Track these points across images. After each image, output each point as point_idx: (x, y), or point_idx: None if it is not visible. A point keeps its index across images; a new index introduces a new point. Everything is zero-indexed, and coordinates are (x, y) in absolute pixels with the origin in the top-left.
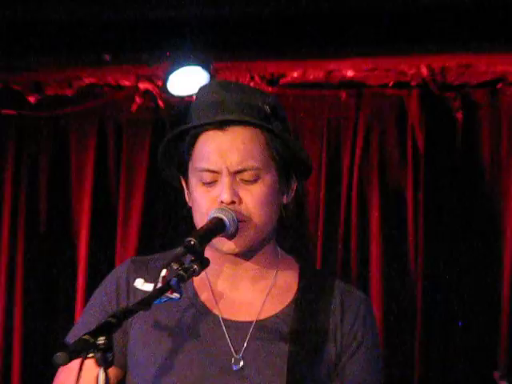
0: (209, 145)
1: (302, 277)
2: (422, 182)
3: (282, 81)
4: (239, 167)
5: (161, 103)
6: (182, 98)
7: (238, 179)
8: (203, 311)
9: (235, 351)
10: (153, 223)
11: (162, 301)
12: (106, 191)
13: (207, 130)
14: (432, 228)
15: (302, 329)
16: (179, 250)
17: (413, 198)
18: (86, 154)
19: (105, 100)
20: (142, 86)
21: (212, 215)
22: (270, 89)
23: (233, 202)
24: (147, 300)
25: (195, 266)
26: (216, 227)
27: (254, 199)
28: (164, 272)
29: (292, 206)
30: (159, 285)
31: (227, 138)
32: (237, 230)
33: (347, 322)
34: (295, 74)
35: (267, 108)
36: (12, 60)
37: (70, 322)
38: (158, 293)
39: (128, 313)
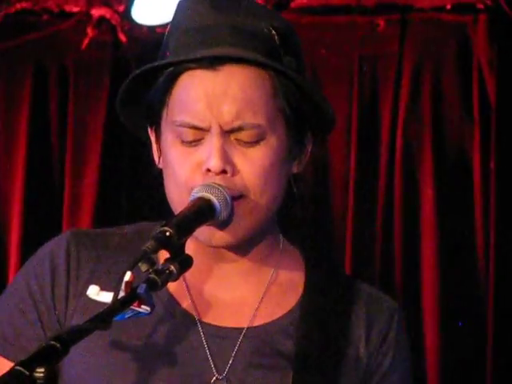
0: (193, 90)
1: (309, 274)
2: (493, 147)
3: (295, 3)
4: (235, 124)
5: (122, 36)
6: (151, 29)
7: (232, 139)
8: (176, 314)
9: (217, 369)
10: (112, 206)
11: (126, 316)
12: (45, 162)
13: (191, 68)
14: (508, 211)
15: (311, 343)
16: (149, 244)
17: (481, 170)
18: (17, 110)
19: (43, 33)
20: (96, 12)
21: (195, 194)
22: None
23: (224, 172)
24: (106, 316)
25: (172, 268)
26: (201, 212)
27: (253, 168)
28: (128, 276)
29: (305, 176)
30: (121, 293)
31: (220, 82)
32: (231, 215)
33: (375, 338)
34: None
35: (275, 36)
36: None
37: None
38: (120, 306)
39: (78, 333)
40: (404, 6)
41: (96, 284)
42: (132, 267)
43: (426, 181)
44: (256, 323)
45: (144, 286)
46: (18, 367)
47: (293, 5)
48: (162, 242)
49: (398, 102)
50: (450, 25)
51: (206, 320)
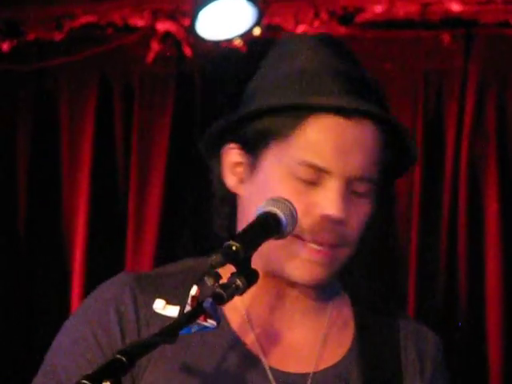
0: (324, 133)
1: (356, 309)
2: None
3: (360, 18)
4: (359, 174)
5: (187, 51)
6: (216, 44)
7: (350, 190)
8: (244, 355)
9: None
10: (177, 223)
11: (192, 330)
12: (110, 177)
13: (320, 110)
14: None
15: (374, 381)
16: (215, 257)
17: None
18: (82, 124)
19: (108, 47)
20: (161, 26)
21: (261, 210)
22: (342, 29)
23: (341, 222)
24: (172, 329)
25: (238, 282)
26: (267, 226)
27: (359, 221)
28: (194, 290)
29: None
30: (187, 307)
31: (351, 131)
32: (293, 229)
33: (428, 371)
34: (378, 9)
35: (379, 89)
36: None
37: None
38: (186, 319)
39: (144, 347)
40: (469, 21)
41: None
42: (198, 281)
43: (491, 196)
44: (321, 367)
45: (210, 300)
46: (83, 381)
47: (357, 19)
48: (229, 257)
49: (463, 117)
50: None
51: (272, 364)
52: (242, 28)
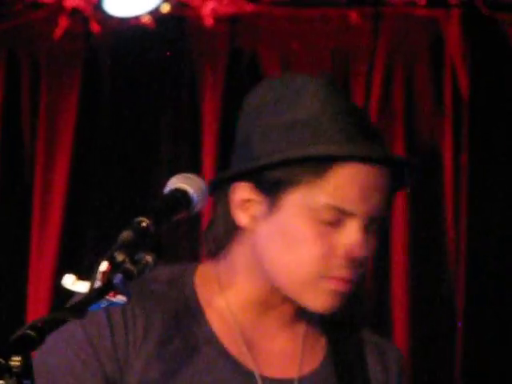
0: (347, 178)
1: (325, 323)
2: (465, 141)
3: None
4: (379, 215)
5: (95, 27)
6: (125, 21)
7: (368, 228)
8: (231, 363)
9: None
10: (85, 198)
11: (102, 306)
12: (16, 155)
13: (344, 158)
14: (483, 210)
15: None
16: (125, 234)
17: (452, 165)
18: None
19: (16, 23)
20: (69, 3)
21: (171, 186)
22: (249, 7)
23: (366, 259)
24: (81, 305)
25: (148, 258)
26: (178, 202)
27: (370, 255)
28: (104, 266)
29: None
30: (97, 283)
31: (372, 177)
32: (202, 207)
33: (393, 381)
34: None
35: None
36: None
37: None
38: (95, 295)
39: (53, 323)
40: (377, 0)
41: (153, 334)
42: (109, 257)
43: None
44: (304, 371)
45: (120, 275)
46: None
47: None
48: (139, 233)
49: (370, 95)
50: (423, 19)
51: (260, 371)
52: (151, 5)
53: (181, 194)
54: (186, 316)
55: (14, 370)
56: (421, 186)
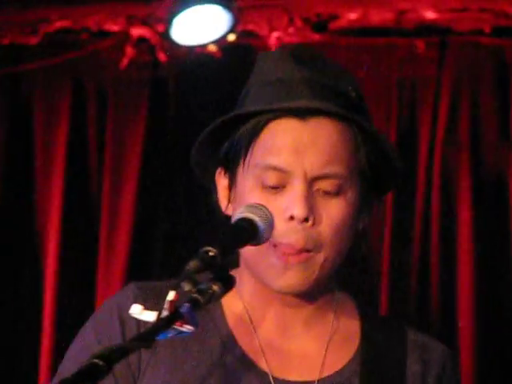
0: (281, 136)
1: (363, 320)
2: None
3: (334, 25)
4: (321, 172)
5: (162, 56)
6: (191, 49)
7: (314, 189)
8: (245, 364)
9: None
10: (151, 224)
11: (169, 335)
12: (83, 183)
13: (279, 116)
14: None
15: None
16: (192, 263)
17: None
18: (56, 129)
19: (83, 52)
20: (136, 31)
21: (238, 216)
22: (316, 36)
23: (306, 220)
24: (148, 334)
25: (215, 287)
26: (244, 232)
27: (331, 220)
28: (172, 295)
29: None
30: (165, 313)
31: (308, 132)
32: (270, 235)
33: (433, 379)
34: (352, 16)
35: (354, 94)
36: None
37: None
38: (163, 324)
39: (121, 352)
40: (443, 29)
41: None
42: (176, 287)
43: (464, 204)
44: (324, 374)
45: (187, 305)
46: None
47: (331, 26)
48: (206, 262)
49: (436, 124)
50: (489, 48)
51: (276, 374)
52: (217, 34)
53: (247, 224)
54: (205, 316)
55: None
56: (487, 216)
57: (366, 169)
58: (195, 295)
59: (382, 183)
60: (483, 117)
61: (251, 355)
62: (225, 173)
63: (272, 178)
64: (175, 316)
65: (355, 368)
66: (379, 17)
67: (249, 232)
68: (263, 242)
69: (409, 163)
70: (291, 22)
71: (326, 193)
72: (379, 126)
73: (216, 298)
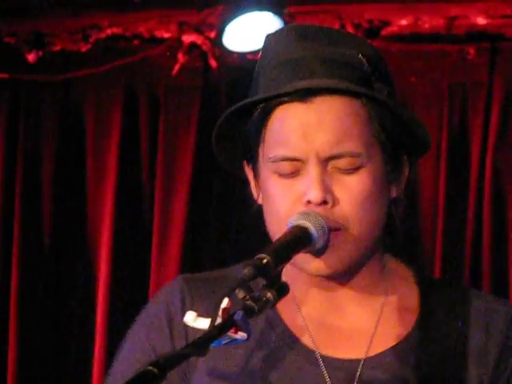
0: (287, 122)
1: (422, 289)
2: None
3: (385, 31)
4: (333, 152)
5: (213, 63)
6: (243, 56)
7: (330, 168)
8: (290, 341)
9: None
10: (203, 231)
11: (223, 343)
12: (135, 189)
13: (284, 101)
14: None
15: (431, 370)
16: (246, 271)
17: None
18: (107, 136)
19: (134, 59)
20: (187, 38)
21: (292, 223)
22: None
23: (324, 203)
24: (202, 341)
25: (269, 295)
26: (298, 240)
27: (352, 196)
28: (225, 302)
29: (404, 199)
30: (218, 320)
31: (314, 112)
32: (327, 243)
33: (495, 345)
34: (404, 22)
35: (365, 63)
36: (2, 3)
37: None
38: (216, 332)
39: (175, 359)
40: (494, 35)
41: None
42: (229, 294)
43: None
44: (373, 351)
45: (241, 312)
46: None
47: (383, 32)
48: (259, 270)
49: (488, 130)
50: None
51: (323, 351)
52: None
53: (301, 231)
54: None
55: None
56: None
57: (384, 139)
58: (249, 302)
59: (409, 149)
60: None
61: (296, 332)
62: (248, 164)
63: (286, 167)
64: (229, 323)
65: (412, 344)
66: (430, 23)
67: (302, 240)
68: (317, 250)
69: (461, 168)
70: (343, 28)
71: (344, 170)
72: (431, 131)
73: (270, 305)
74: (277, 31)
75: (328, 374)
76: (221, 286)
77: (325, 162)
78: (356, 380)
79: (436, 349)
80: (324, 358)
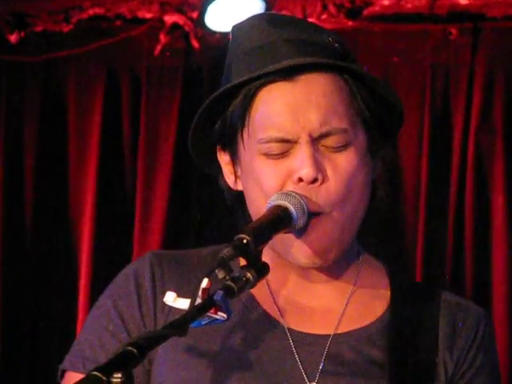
0: (274, 104)
1: (393, 282)
2: None
3: (368, 11)
4: (324, 129)
5: (195, 43)
6: (225, 36)
7: (320, 147)
8: (265, 321)
9: (307, 376)
10: (184, 213)
11: (203, 323)
12: (117, 168)
13: (268, 83)
14: None
15: (403, 353)
16: (226, 251)
17: None
18: (90, 117)
19: (116, 39)
20: (169, 18)
21: (271, 203)
22: (350, 23)
23: (315, 181)
24: (182, 322)
25: (249, 275)
26: (278, 219)
27: (342, 176)
28: (205, 283)
29: (386, 179)
30: (198, 300)
31: (300, 91)
32: (307, 223)
33: (461, 344)
34: (386, 2)
35: (337, 45)
36: None
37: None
38: (196, 312)
39: (154, 340)
40: (476, 15)
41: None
42: (209, 274)
43: (498, 189)
44: (343, 329)
45: (221, 292)
46: (94, 372)
47: (365, 12)
48: (240, 250)
49: (470, 110)
50: None
51: (292, 326)
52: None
53: (281, 211)
54: None
55: None
56: None
57: (368, 116)
58: (229, 282)
59: (389, 127)
60: None
61: (272, 313)
62: (224, 150)
63: (276, 148)
64: (209, 303)
65: (382, 327)
66: (413, 3)
67: (282, 220)
68: (297, 230)
69: (443, 149)
70: (325, 8)
71: (333, 149)
72: (413, 112)
73: (250, 285)
74: (245, 20)
75: (296, 349)
76: (189, 265)
77: (315, 140)
78: (324, 355)
79: (407, 334)
80: (293, 332)
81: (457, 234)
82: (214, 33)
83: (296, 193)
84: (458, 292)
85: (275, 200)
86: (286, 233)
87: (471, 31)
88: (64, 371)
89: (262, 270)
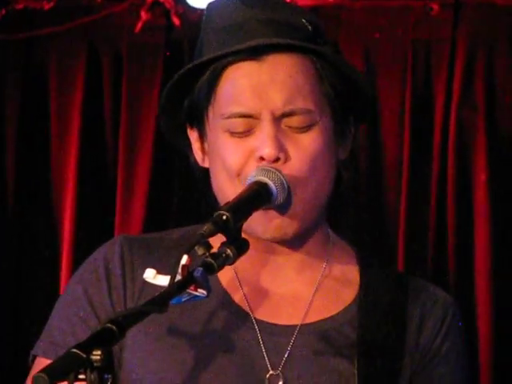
0: (239, 81)
1: (363, 269)
2: None
3: None
4: (287, 108)
5: (176, 20)
6: None
7: (283, 126)
8: (229, 307)
9: (272, 365)
10: (166, 191)
11: (183, 300)
12: (99, 146)
13: (235, 61)
14: None
15: (370, 343)
16: (206, 227)
17: None
18: (71, 94)
19: (97, 16)
20: None
21: (251, 179)
22: None
23: (277, 160)
24: (162, 299)
25: (229, 251)
26: (258, 196)
27: (305, 155)
28: (185, 259)
29: (357, 163)
30: (178, 277)
31: (266, 70)
32: (288, 199)
33: (428, 332)
34: None
35: (309, 26)
36: None
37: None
38: (176, 288)
39: (134, 317)
40: None
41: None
42: (189, 250)
43: (480, 166)
44: (310, 319)
45: (201, 269)
46: (74, 350)
47: None
48: (219, 226)
49: (452, 86)
50: (504, 9)
51: (259, 317)
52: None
53: (260, 187)
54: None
55: (95, 364)
56: (503, 178)
57: (334, 97)
58: (209, 259)
59: (357, 111)
60: (499, 78)
61: (240, 303)
62: (192, 127)
63: (239, 125)
64: (188, 280)
65: (350, 317)
66: None
67: (262, 196)
68: (276, 206)
69: (425, 125)
70: None
71: (296, 128)
72: (395, 88)
73: (230, 261)
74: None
75: (262, 339)
76: (159, 249)
77: (278, 119)
78: (290, 345)
79: (374, 323)
80: (260, 323)
81: (439, 211)
82: (195, 10)
83: (277, 169)
84: (439, 265)
85: (255, 176)
86: (266, 209)
87: (452, 7)
88: (35, 357)
89: (241, 247)
